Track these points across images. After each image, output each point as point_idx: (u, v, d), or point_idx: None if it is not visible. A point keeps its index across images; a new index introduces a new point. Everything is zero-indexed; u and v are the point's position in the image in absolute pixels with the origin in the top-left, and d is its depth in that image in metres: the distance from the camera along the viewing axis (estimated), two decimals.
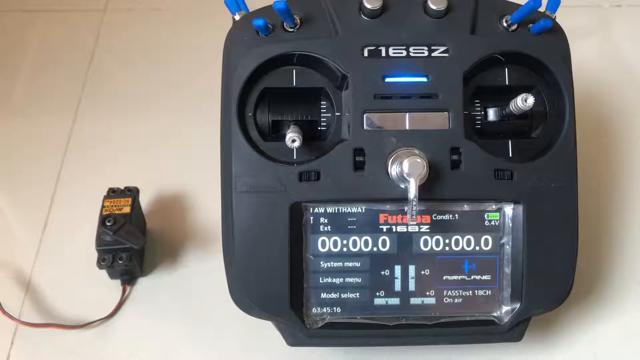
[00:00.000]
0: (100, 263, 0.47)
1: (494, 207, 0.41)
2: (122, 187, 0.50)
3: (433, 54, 0.40)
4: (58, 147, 0.58)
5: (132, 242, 0.46)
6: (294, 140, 0.37)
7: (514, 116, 0.40)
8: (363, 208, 0.40)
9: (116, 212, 0.48)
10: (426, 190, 0.38)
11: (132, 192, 0.50)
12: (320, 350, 0.46)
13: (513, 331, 0.41)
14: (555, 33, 0.41)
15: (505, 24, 0.41)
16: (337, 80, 0.40)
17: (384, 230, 0.40)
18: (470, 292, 0.41)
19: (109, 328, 0.48)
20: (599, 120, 0.59)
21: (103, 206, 0.48)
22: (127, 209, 0.48)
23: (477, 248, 0.41)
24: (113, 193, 0.50)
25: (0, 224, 0.54)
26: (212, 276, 0.50)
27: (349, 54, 0.40)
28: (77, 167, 0.57)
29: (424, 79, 0.40)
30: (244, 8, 0.42)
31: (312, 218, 0.40)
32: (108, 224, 0.47)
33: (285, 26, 0.40)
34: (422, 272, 0.41)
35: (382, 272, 0.41)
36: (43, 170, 0.56)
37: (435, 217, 0.41)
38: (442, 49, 0.40)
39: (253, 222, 0.39)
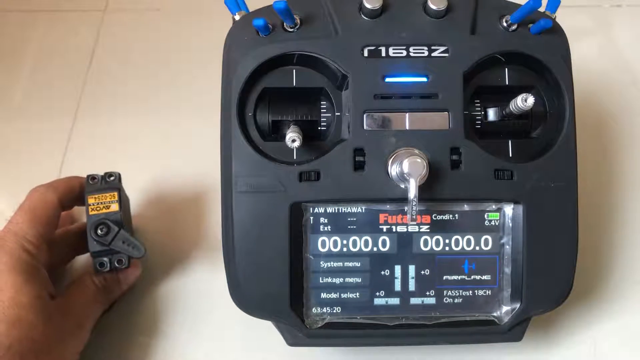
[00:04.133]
0: (98, 268, 0.44)
1: (494, 207, 0.41)
2: (101, 174, 0.46)
3: (433, 54, 0.40)
4: (58, 147, 0.58)
5: (130, 253, 0.43)
6: (294, 140, 0.37)
7: (514, 116, 0.40)
8: (363, 208, 0.40)
9: (104, 211, 0.43)
10: (426, 190, 0.38)
11: (114, 180, 0.45)
12: (320, 350, 0.46)
13: (513, 331, 0.41)
14: (555, 33, 0.41)
15: (505, 24, 0.41)
16: (337, 80, 0.40)
17: (384, 230, 0.40)
18: (470, 292, 0.41)
19: (108, 328, 0.47)
20: (599, 120, 0.59)
21: (88, 204, 0.44)
22: (115, 206, 0.44)
23: (477, 248, 0.41)
24: (93, 181, 0.45)
25: (1, 224, 0.54)
26: (212, 276, 0.50)
27: (349, 54, 0.40)
28: (77, 167, 0.56)
29: (424, 79, 0.40)
30: (244, 8, 0.42)
31: (312, 218, 0.40)
32: (100, 232, 0.43)
33: (285, 26, 0.40)
34: (422, 272, 0.41)
35: (382, 272, 0.41)
36: (43, 170, 0.56)
37: (435, 217, 0.41)
38: (442, 49, 0.40)
39: (253, 222, 0.39)
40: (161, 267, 0.51)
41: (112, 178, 0.46)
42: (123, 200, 0.45)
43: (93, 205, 0.44)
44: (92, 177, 0.45)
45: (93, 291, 0.44)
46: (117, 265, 0.44)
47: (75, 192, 0.45)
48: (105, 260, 0.44)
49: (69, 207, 0.46)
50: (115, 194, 0.44)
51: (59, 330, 0.40)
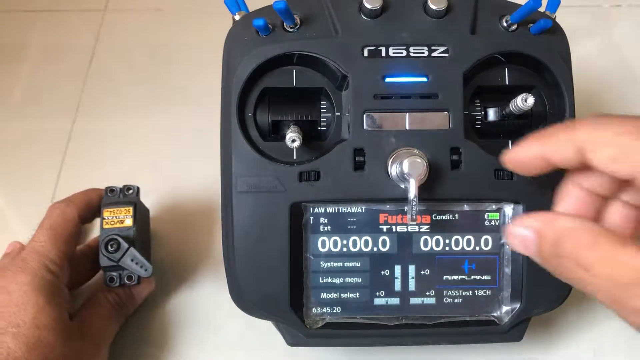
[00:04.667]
0: (108, 283, 0.44)
1: (494, 207, 0.41)
2: (120, 186, 0.46)
3: (433, 54, 0.40)
4: (58, 147, 0.58)
5: (138, 272, 0.43)
6: (294, 140, 0.37)
7: (514, 116, 0.40)
8: (363, 208, 0.40)
9: (118, 225, 0.43)
10: (426, 190, 0.38)
11: (132, 193, 0.45)
12: (320, 350, 0.46)
13: (513, 331, 0.41)
14: (555, 33, 0.41)
15: (505, 24, 0.41)
16: (337, 80, 0.40)
17: (384, 230, 0.40)
18: (470, 292, 0.41)
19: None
20: None
21: (103, 217, 0.44)
22: (129, 222, 0.43)
23: (477, 248, 0.41)
24: (111, 193, 0.45)
25: (0, 224, 0.54)
26: (212, 276, 0.50)
27: (349, 54, 0.40)
28: (77, 167, 0.57)
29: (424, 79, 0.40)
30: (244, 8, 0.42)
31: (312, 218, 0.40)
32: (110, 249, 0.42)
33: (285, 26, 0.40)
34: (422, 272, 0.41)
35: (382, 272, 0.41)
36: (43, 170, 0.56)
37: (435, 217, 0.41)
38: (442, 49, 0.40)
39: (253, 222, 0.39)
40: (160, 268, 0.51)
41: (130, 191, 0.46)
42: (140, 214, 0.45)
43: (108, 219, 0.44)
44: (110, 189, 0.46)
45: (109, 310, 0.44)
46: (127, 281, 0.44)
47: (94, 206, 0.45)
48: (115, 275, 0.44)
49: (89, 221, 0.46)
50: (131, 208, 0.44)
51: (77, 352, 0.40)
